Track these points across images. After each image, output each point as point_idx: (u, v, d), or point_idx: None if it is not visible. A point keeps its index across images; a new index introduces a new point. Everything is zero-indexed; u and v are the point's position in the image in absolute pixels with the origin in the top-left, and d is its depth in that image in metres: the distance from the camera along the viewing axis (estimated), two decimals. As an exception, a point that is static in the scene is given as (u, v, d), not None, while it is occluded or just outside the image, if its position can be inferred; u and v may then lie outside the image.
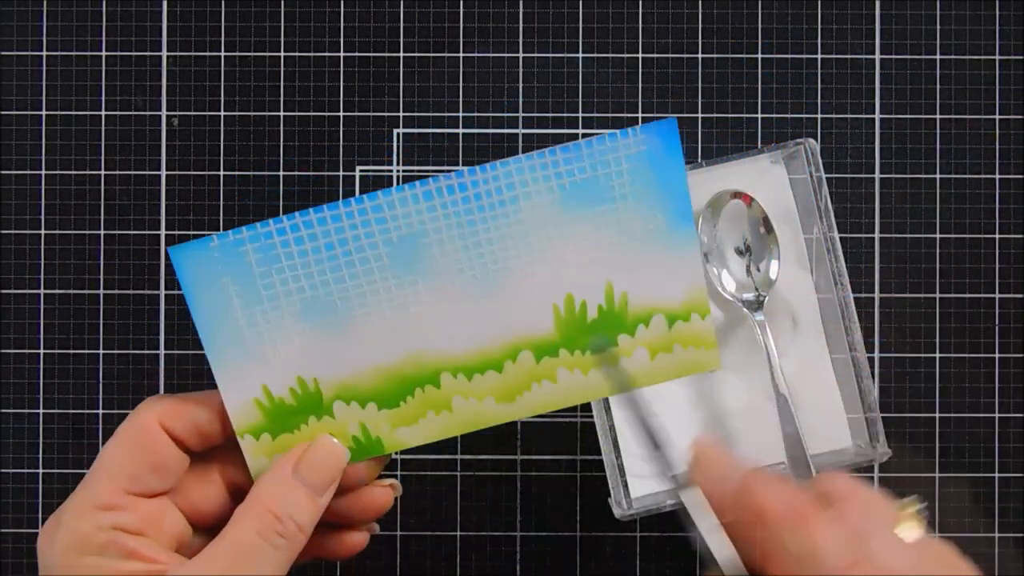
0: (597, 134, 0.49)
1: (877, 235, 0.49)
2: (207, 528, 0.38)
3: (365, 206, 0.37)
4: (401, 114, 0.49)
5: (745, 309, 0.45)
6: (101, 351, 0.49)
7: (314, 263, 0.37)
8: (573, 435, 0.49)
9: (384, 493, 0.40)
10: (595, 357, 0.38)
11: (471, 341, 0.38)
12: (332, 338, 0.38)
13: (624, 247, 0.38)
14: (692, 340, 0.39)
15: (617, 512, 0.43)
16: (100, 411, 0.49)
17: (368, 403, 0.39)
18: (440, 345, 0.38)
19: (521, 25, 0.49)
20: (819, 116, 0.49)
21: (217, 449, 0.39)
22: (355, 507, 0.39)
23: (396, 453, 0.49)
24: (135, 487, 0.36)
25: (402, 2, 0.49)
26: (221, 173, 0.49)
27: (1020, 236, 0.49)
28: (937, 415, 0.49)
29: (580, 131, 0.49)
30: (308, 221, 0.37)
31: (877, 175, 0.49)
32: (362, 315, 0.38)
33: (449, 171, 0.49)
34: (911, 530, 0.32)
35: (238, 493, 0.38)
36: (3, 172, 0.49)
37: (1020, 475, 0.49)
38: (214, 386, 0.37)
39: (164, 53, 0.49)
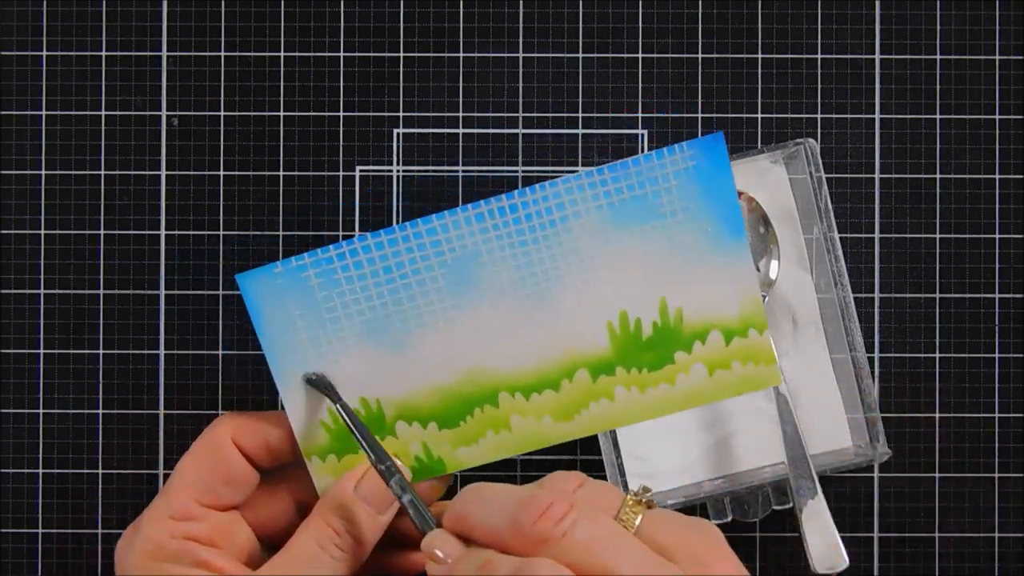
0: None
1: (877, 235, 0.49)
2: (275, 544, 0.39)
3: (420, 229, 0.38)
4: (401, 114, 0.49)
5: (745, 309, 0.45)
6: (101, 351, 0.49)
7: (373, 286, 0.38)
8: (573, 435, 0.49)
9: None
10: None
11: (527, 360, 0.39)
12: (393, 358, 0.38)
13: (676, 262, 0.38)
14: (751, 356, 0.39)
15: (617, 512, 0.42)
16: (100, 411, 0.49)
17: (429, 423, 0.39)
18: (497, 364, 0.39)
19: (521, 25, 0.49)
20: (819, 116, 0.49)
21: (287, 467, 0.40)
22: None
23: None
24: (207, 498, 0.38)
25: (402, 2, 0.49)
26: (221, 173, 0.49)
27: (1020, 236, 0.49)
28: (937, 415, 0.49)
29: (580, 131, 0.49)
30: (366, 246, 0.38)
31: (877, 175, 0.49)
32: (420, 335, 0.38)
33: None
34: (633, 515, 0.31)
35: (305, 511, 0.39)
36: (3, 172, 0.49)
37: (1020, 475, 0.49)
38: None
39: (164, 53, 0.49)
